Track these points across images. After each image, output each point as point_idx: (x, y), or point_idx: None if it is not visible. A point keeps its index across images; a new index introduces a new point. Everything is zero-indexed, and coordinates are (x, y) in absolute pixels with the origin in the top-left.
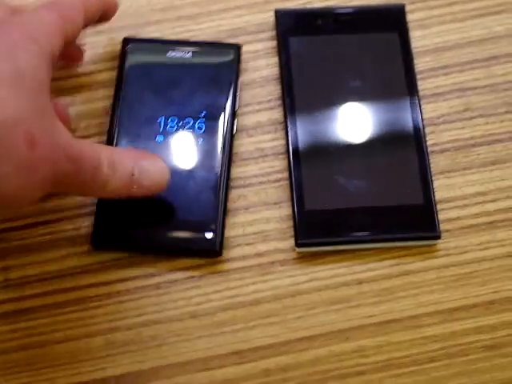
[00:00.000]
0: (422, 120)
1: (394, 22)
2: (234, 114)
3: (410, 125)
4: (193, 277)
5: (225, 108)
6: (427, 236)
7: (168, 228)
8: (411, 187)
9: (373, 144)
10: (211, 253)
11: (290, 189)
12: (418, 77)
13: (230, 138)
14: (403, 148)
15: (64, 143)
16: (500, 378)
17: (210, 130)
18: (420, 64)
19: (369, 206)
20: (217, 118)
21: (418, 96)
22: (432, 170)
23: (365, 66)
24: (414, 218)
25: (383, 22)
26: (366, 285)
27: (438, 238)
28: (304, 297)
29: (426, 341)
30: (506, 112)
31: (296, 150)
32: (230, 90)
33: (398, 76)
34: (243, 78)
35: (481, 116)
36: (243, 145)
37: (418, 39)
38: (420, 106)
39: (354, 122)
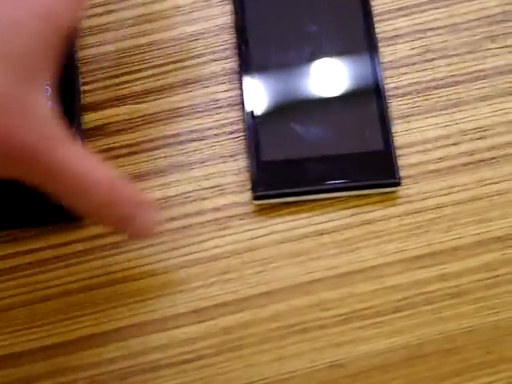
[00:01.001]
0: (381, 64)
1: None
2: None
3: (368, 69)
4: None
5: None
6: (387, 183)
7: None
8: (370, 134)
9: (330, 90)
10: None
11: (245, 140)
12: (377, 19)
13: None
14: (361, 94)
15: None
16: (465, 326)
17: None
18: (379, 6)
19: (327, 155)
20: None
21: (376, 40)
22: (393, 114)
23: (321, 11)
24: (373, 165)
25: None
26: (326, 236)
27: (398, 184)
28: (263, 251)
29: (388, 291)
30: (468, 52)
31: (251, 100)
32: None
33: (356, 20)
34: (195, 28)
35: (442, 57)
36: (198, 96)
37: None
38: (378, 50)
39: (311, 69)
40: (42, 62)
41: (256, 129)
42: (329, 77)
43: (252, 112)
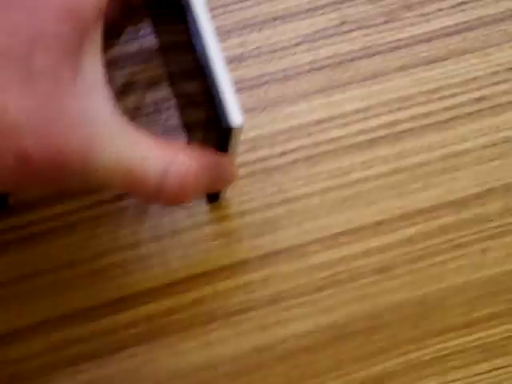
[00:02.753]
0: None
1: None
2: None
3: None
4: (60, 226)
5: None
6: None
7: None
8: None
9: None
10: None
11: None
12: None
13: None
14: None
15: (86, 158)
16: (391, 301)
17: None
18: None
19: None
20: None
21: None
22: (310, 88)
23: None
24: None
25: None
26: (248, 217)
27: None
28: (184, 234)
29: (313, 269)
30: (385, 22)
31: None
32: None
33: None
34: None
35: (359, 28)
36: (113, 79)
37: None
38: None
39: None
40: (78, 66)
41: None
42: None
43: None
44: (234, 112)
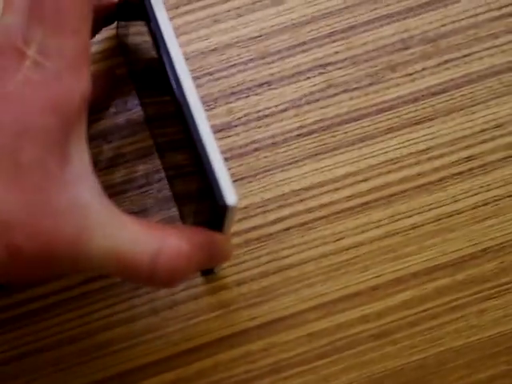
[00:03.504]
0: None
1: None
2: None
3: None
4: (56, 302)
5: None
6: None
7: None
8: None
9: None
10: None
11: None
12: (277, 57)
13: None
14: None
15: (77, 246)
16: (391, 367)
17: None
18: (278, 43)
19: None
20: None
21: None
22: (301, 154)
23: None
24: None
25: None
26: (244, 286)
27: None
28: (182, 307)
29: (312, 337)
30: (370, 84)
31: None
32: None
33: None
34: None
35: (344, 91)
36: (102, 152)
37: (272, 17)
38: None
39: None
40: (65, 156)
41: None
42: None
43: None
44: (228, 190)
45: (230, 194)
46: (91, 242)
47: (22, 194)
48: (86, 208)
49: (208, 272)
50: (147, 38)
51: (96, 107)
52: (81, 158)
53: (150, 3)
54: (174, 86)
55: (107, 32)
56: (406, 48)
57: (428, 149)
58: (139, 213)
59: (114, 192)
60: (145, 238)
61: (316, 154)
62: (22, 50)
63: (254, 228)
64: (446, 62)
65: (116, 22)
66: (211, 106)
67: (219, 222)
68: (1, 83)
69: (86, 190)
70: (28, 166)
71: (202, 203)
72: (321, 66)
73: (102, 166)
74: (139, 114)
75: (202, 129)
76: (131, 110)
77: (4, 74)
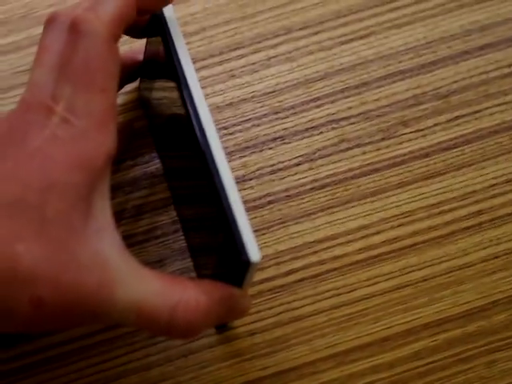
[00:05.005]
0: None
1: None
2: None
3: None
4: (73, 350)
5: None
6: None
7: None
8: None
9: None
10: None
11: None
12: (290, 112)
13: None
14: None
15: (97, 299)
16: None
17: None
18: (292, 98)
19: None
20: None
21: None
22: (313, 208)
23: None
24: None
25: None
26: (258, 335)
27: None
28: (196, 356)
29: None
30: (382, 139)
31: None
32: None
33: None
34: None
35: (357, 146)
36: (121, 204)
37: (286, 73)
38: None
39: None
40: (89, 210)
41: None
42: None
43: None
44: (251, 246)
45: (254, 250)
46: (112, 296)
47: (47, 248)
48: (108, 262)
49: (222, 326)
50: (169, 94)
51: (114, 159)
52: (104, 213)
53: (179, 62)
54: (200, 139)
55: (129, 86)
56: (418, 104)
57: (439, 203)
58: (156, 263)
59: (131, 243)
60: (164, 291)
61: (329, 208)
62: (50, 107)
63: (267, 279)
64: (457, 117)
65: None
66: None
67: (239, 276)
68: (28, 139)
69: (108, 244)
70: (53, 220)
71: (220, 256)
72: (334, 120)
73: (119, 218)
74: (157, 167)
75: (226, 182)
76: (148, 162)
77: (31, 129)
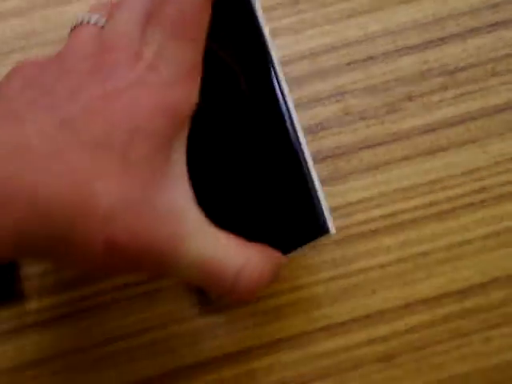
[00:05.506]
0: (302, 136)
1: None
2: None
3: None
4: (77, 311)
5: None
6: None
7: None
8: (297, 204)
9: (250, 172)
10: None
11: None
12: (295, 83)
13: None
14: (284, 174)
15: (167, 249)
16: None
17: None
18: (297, 70)
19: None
20: None
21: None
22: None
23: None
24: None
25: None
26: (253, 305)
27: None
28: (190, 323)
29: (317, 357)
30: (387, 113)
31: None
32: None
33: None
34: None
35: (361, 119)
36: None
37: (292, 45)
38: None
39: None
40: (168, 159)
41: None
42: (247, 159)
43: None
44: (330, 219)
45: (331, 223)
46: (182, 248)
47: (127, 190)
48: (182, 214)
49: (207, 302)
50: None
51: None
52: (180, 164)
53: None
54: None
55: None
56: (425, 79)
57: (441, 178)
58: None
59: None
60: (233, 252)
61: (330, 180)
62: (138, 50)
63: None
64: (463, 94)
65: None
66: None
67: (300, 245)
68: (114, 79)
69: (183, 196)
70: (135, 163)
71: (274, 222)
72: (338, 93)
73: None
74: None
75: (306, 157)
76: None
77: (118, 71)
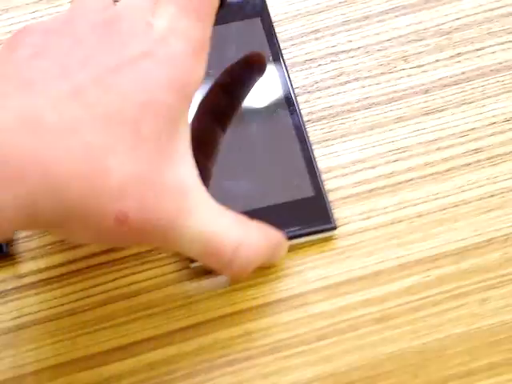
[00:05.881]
0: (300, 112)
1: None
2: None
3: (288, 118)
4: (66, 273)
5: None
6: (323, 229)
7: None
8: (298, 180)
9: (250, 141)
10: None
11: None
12: (289, 43)
13: None
14: (284, 140)
15: (173, 224)
16: (391, 350)
17: None
18: (291, 30)
19: (259, 208)
20: None
21: (287, 72)
22: (310, 140)
23: (230, 53)
24: (306, 213)
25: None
26: None
27: (334, 229)
28: (185, 284)
29: (313, 319)
30: (382, 74)
31: None
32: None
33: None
34: None
35: (356, 80)
36: None
37: (287, 4)
38: (290, 81)
39: (225, 112)
40: (176, 134)
41: None
42: (248, 127)
43: None
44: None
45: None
46: (186, 223)
47: (138, 165)
48: (188, 189)
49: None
50: None
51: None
52: (186, 137)
53: None
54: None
55: None
56: (420, 39)
57: (436, 139)
58: None
59: None
60: (232, 227)
61: (325, 140)
62: (149, 22)
63: None
64: (459, 54)
65: None
66: None
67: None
68: (126, 49)
69: (189, 170)
70: (147, 137)
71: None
72: (333, 53)
73: None
74: None
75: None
76: None
77: (129, 40)
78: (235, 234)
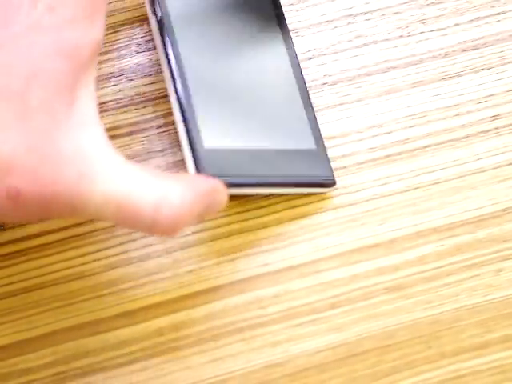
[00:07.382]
0: (297, 58)
1: None
2: None
3: (286, 64)
4: (72, 236)
5: None
6: (323, 183)
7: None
8: (300, 131)
9: (255, 85)
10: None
11: (174, 134)
12: (303, 5)
13: None
14: (284, 90)
15: (76, 190)
16: (404, 321)
17: None
18: None
19: (263, 149)
20: None
21: (289, 34)
22: (324, 103)
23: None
24: (307, 164)
25: None
26: (258, 232)
27: (334, 184)
28: (194, 249)
29: (325, 287)
30: (400, 37)
31: (182, 88)
32: None
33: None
34: (117, 19)
35: (373, 43)
36: (123, 90)
37: None
38: (292, 43)
39: (236, 64)
40: (73, 100)
41: (191, 118)
42: (251, 72)
43: (186, 101)
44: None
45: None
46: (91, 187)
47: (28, 137)
48: (89, 154)
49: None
50: None
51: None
52: (88, 104)
53: None
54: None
55: None
56: (439, 2)
57: (455, 105)
58: (157, 152)
59: (131, 131)
60: (148, 185)
61: (340, 104)
62: None
63: None
64: (478, 18)
65: None
66: None
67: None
68: (10, 24)
69: (91, 137)
70: (36, 109)
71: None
72: (350, 15)
73: (122, 104)
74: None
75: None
76: (153, 49)
77: (14, 15)
78: (153, 191)
